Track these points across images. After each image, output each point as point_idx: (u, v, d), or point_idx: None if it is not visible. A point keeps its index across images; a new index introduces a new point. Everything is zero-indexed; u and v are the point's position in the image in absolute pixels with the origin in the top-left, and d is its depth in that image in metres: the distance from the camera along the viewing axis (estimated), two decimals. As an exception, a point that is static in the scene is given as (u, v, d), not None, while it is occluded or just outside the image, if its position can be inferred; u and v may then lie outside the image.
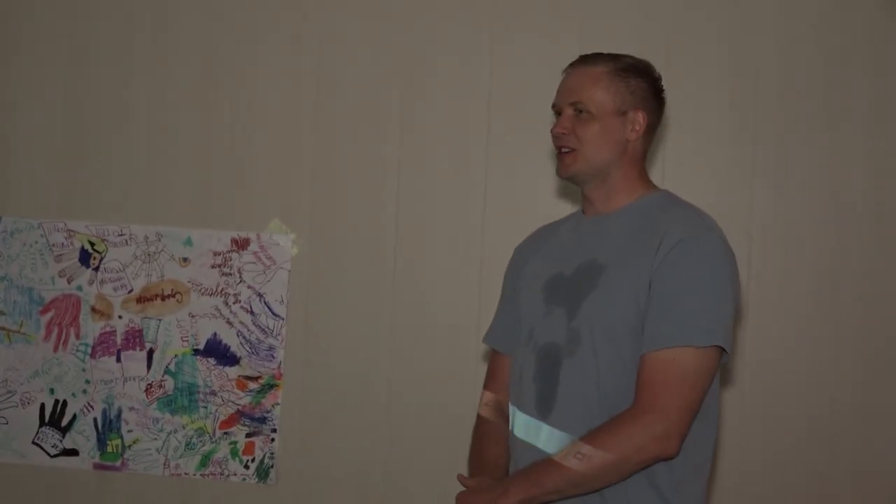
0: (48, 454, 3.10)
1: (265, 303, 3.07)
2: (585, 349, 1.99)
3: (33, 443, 3.10)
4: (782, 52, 2.97)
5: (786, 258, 2.96)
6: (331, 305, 3.07)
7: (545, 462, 1.95)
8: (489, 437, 2.21)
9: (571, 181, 2.12)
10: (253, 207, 3.10)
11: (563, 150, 2.09)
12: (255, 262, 3.08)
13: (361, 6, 3.10)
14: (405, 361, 3.05)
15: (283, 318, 3.06)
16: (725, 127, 2.97)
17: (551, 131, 2.10)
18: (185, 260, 3.10)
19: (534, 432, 2.05)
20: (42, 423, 3.10)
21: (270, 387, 3.06)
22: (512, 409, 2.15)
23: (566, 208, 2.95)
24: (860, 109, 2.95)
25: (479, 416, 2.26)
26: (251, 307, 3.07)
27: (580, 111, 2.07)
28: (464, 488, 2.06)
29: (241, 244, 3.09)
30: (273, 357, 3.07)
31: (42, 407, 3.11)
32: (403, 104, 3.07)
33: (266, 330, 3.07)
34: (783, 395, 2.93)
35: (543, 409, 2.04)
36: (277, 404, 3.06)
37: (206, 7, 3.14)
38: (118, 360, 3.09)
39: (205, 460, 3.07)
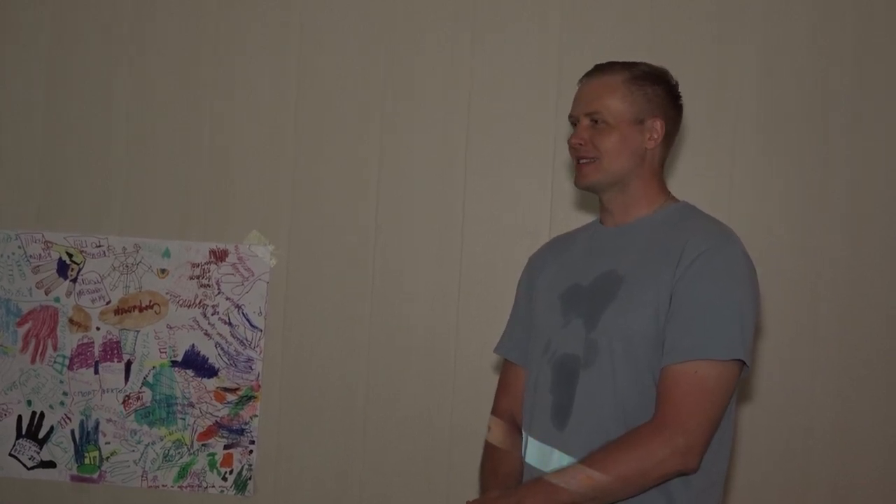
0: (25, 466, 3.09)
1: (243, 314, 3.06)
2: (603, 361, 1.97)
3: (10, 455, 3.09)
4: (765, 57, 2.97)
5: (765, 272, 2.94)
6: (309, 317, 3.06)
7: (563, 471, 1.90)
8: (502, 458, 2.16)
9: (590, 191, 2.10)
10: (232, 219, 3.09)
11: (581, 160, 2.06)
12: (233, 274, 3.07)
13: (343, 14, 3.09)
14: (384, 373, 3.04)
15: (261, 330, 3.06)
16: (707, 133, 2.97)
17: (568, 142, 2.08)
18: (163, 271, 3.09)
19: (546, 457, 2.02)
20: (19, 434, 3.09)
21: (249, 398, 3.05)
22: (524, 434, 2.11)
23: (544, 217, 2.95)
24: (843, 119, 2.94)
25: (487, 444, 2.21)
26: (229, 319, 3.06)
27: (597, 121, 2.04)
28: None
29: (219, 256, 3.08)
30: (251, 369, 3.06)
31: (19, 419, 3.09)
32: (384, 117, 3.06)
33: (244, 341, 3.06)
34: (760, 411, 2.93)
35: (559, 421, 2.01)
36: (256, 416, 3.05)
37: (185, 20, 3.13)
38: (96, 371, 3.08)
39: (183, 472, 3.06)
